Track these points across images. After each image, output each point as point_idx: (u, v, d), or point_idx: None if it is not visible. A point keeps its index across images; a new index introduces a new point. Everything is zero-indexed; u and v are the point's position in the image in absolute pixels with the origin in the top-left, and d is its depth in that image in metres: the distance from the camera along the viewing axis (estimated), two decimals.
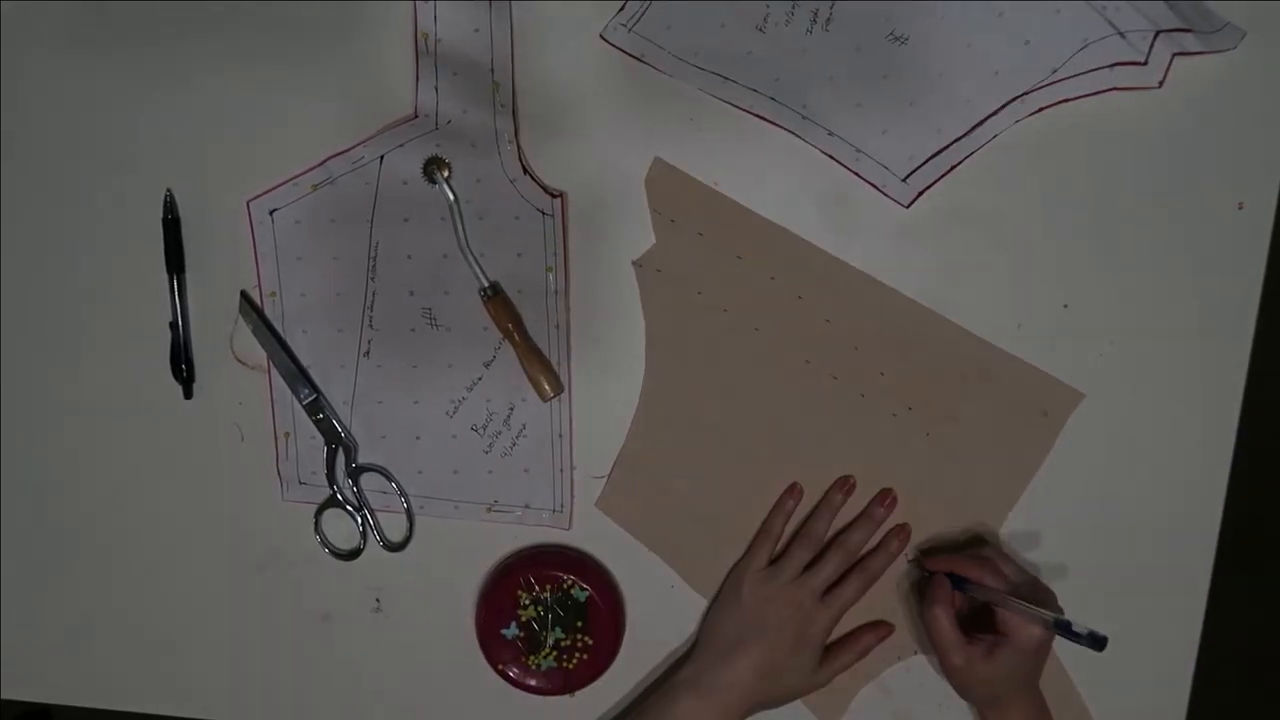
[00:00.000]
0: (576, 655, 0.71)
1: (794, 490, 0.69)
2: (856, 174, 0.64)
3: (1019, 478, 0.67)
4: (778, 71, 0.62)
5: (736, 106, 0.63)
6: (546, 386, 0.67)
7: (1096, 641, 0.59)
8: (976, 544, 0.68)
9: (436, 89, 0.64)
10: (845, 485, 0.68)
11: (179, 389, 0.71)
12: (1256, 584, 1.22)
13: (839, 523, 0.69)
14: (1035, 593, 0.64)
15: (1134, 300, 0.65)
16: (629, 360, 0.68)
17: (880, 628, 0.70)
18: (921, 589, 0.68)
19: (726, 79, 0.63)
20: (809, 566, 0.68)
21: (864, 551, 0.69)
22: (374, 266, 0.68)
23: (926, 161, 0.63)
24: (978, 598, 0.64)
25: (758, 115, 0.63)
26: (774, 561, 0.69)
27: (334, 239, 0.67)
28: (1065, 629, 0.60)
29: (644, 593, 0.72)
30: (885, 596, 0.70)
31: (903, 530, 0.69)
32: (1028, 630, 0.62)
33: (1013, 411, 0.66)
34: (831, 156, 0.64)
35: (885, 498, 0.68)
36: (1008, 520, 0.68)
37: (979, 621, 0.65)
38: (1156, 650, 0.70)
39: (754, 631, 0.67)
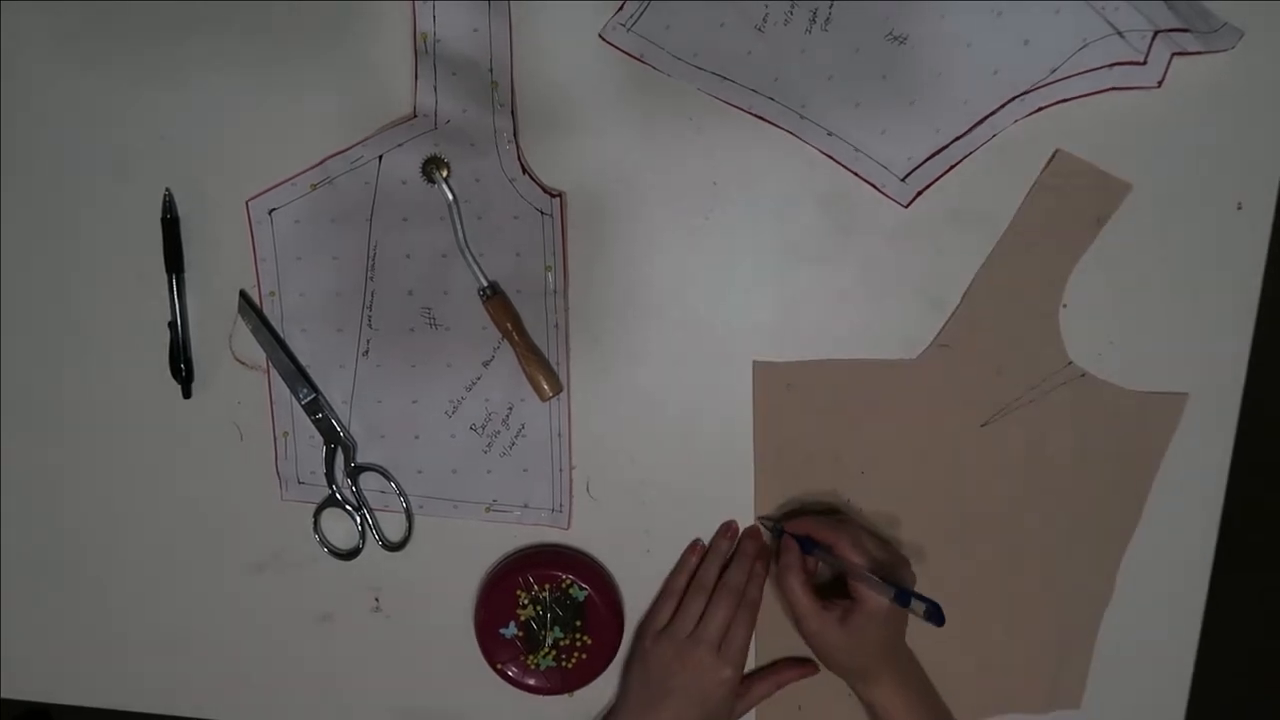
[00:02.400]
0: (575, 654, 0.71)
1: (695, 548, 0.71)
2: (855, 173, 0.64)
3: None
4: (777, 71, 0.62)
5: (735, 106, 0.63)
6: (545, 386, 0.67)
7: (933, 616, 0.59)
8: (834, 513, 0.69)
9: (435, 89, 0.64)
10: (729, 530, 0.70)
11: (178, 389, 0.71)
12: (1256, 583, 1.22)
13: None
14: (892, 563, 0.64)
15: (1134, 300, 0.65)
16: (628, 360, 0.68)
17: (807, 666, 0.71)
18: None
19: (725, 79, 0.63)
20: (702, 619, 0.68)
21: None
22: (373, 266, 0.68)
23: (925, 161, 0.63)
24: (826, 564, 0.65)
25: (757, 115, 0.63)
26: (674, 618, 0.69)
27: (333, 239, 0.67)
28: (904, 600, 0.61)
29: (642, 592, 0.72)
30: None
31: (763, 550, 0.70)
32: (875, 598, 0.62)
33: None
34: (830, 156, 0.63)
35: (752, 532, 0.70)
36: None
37: (841, 589, 0.65)
38: (1156, 650, 0.70)
39: (660, 696, 0.68)
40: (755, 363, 0.67)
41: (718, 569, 0.70)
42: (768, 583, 0.70)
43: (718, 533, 0.71)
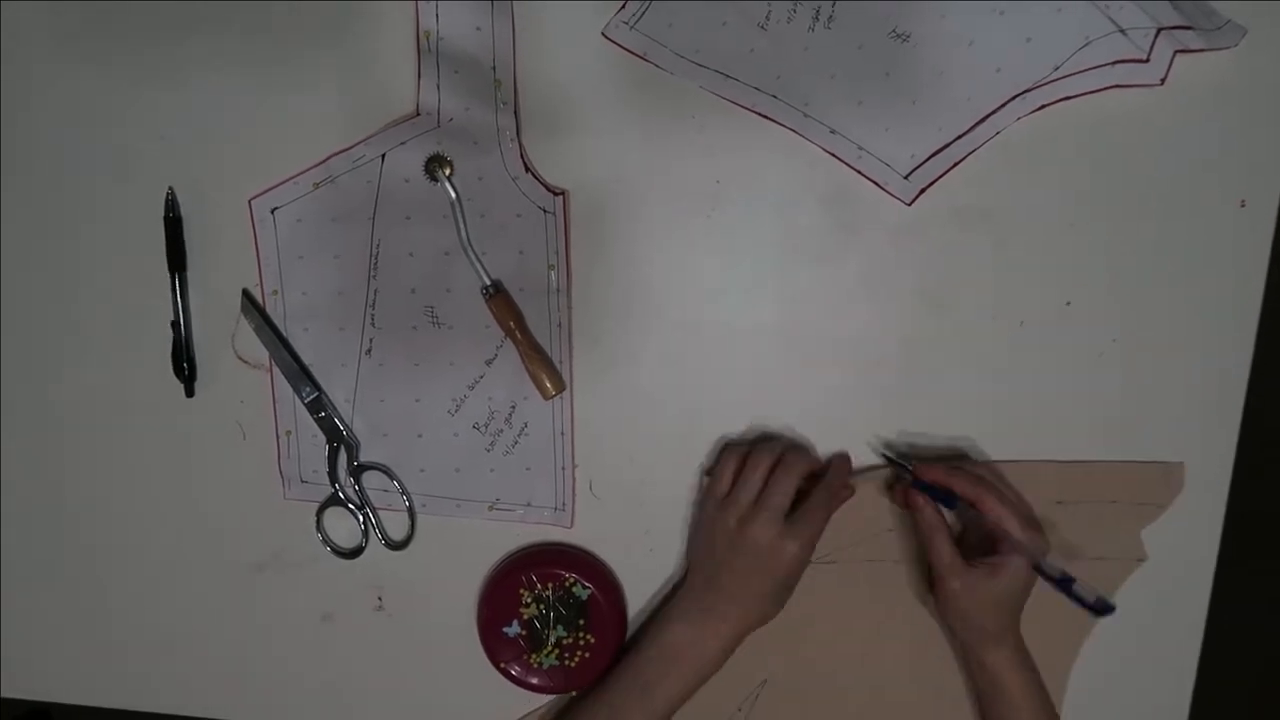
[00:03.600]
0: (578, 653, 0.71)
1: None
2: (858, 171, 0.64)
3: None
4: (780, 69, 0.62)
5: (738, 104, 0.63)
6: (548, 385, 0.67)
7: (1102, 609, 0.59)
8: (968, 462, 0.67)
9: (438, 87, 0.64)
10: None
11: (181, 388, 0.71)
12: (1258, 584, 1.22)
13: None
14: (1032, 528, 0.63)
15: (1135, 298, 0.65)
16: (630, 359, 0.68)
17: (841, 492, 0.67)
18: (905, 495, 0.66)
19: (728, 77, 0.63)
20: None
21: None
22: (376, 265, 0.68)
23: (928, 159, 0.63)
24: (970, 521, 0.64)
25: (759, 113, 0.63)
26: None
27: (336, 237, 0.67)
28: (1068, 586, 0.60)
29: (645, 590, 0.72)
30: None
31: (846, 480, 0.67)
32: (1019, 560, 0.62)
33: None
34: (833, 154, 0.64)
35: (840, 463, 0.67)
36: None
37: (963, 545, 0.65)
38: (1157, 650, 0.70)
39: (728, 561, 0.65)
40: None
41: (775, 450, 0.66)
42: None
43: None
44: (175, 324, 0.70)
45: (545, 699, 0.74)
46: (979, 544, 0.65)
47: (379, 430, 0.71)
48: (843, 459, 0.68)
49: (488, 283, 0.66)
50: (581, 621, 0.70)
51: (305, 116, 0.66)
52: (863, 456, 0.68)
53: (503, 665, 0.72)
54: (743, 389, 0.68)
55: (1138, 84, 0.60)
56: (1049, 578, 0.61)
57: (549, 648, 0.71)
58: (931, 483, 0.64)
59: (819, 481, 0.66)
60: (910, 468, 0.66)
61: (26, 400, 0.74)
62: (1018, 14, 0.60)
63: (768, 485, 0.65)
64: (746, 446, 0.67)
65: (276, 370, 0.70)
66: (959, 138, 0.62)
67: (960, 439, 0.68)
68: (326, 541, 0.73)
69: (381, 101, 0.65)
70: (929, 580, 0.66)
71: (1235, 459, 0.67)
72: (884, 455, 0.68)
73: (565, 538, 0.72)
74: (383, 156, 0.66)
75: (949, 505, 0.64)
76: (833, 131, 0.63)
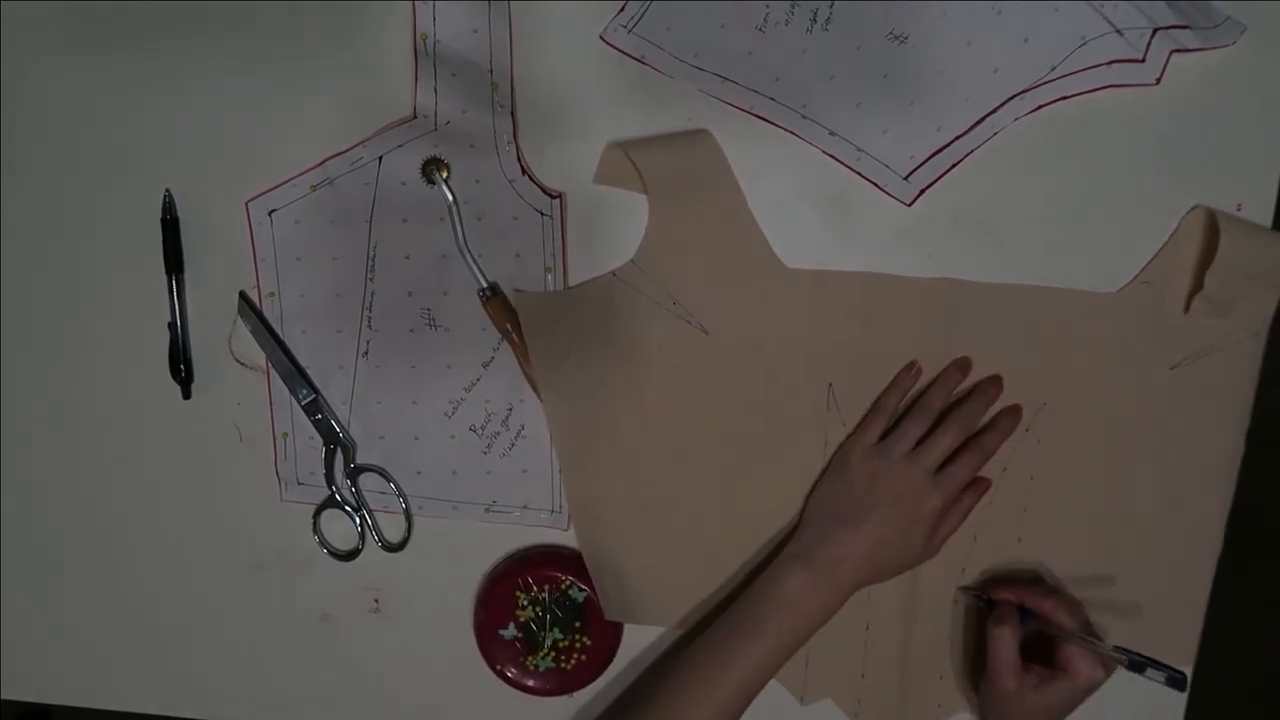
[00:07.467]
0: (575, 656, 0.71)
1: (912, 368, 0.65)
2: (858, 173, 0.63)
3: None
4: (778, 72, 0.62)
5: (736, 107, 0.63)
6: None
7: (1176, 683, 0.59)
8: (1037, 581, 0.67)
9: (435, 90, 0.64)
10: (963, 364, 0.65)
11: (178, 389, 0.71)
12: (1258, 582, 1.22)
13: None
14: (1092, 634, 0.63)
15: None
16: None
17: (979, 484, 0.65)
18: (981, 621, 0.67)
19: (726, 79, 0.63)
20: (920, 443, 0.64)
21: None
22: (373, 267, 0.68)
23: (927, 159, 0.63)
24: (1045, 631, 0.63)
25: (758, 115, 0.63)
26: (885, 437, 0.65)
27: (333, 239, 0.67)
28: (1140, 668, 0.60)
29: None
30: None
31: (1015, 410, 0.65)
32: (1090, 671, 0.61)
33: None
34: (833, 156, 0.63)
35: (997, 379, 0.65)
36: None
37: (1028, 656, 0.64)
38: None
39: (865, 507, 0.64)
40: None
41: (943, 399, 0.65)
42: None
43: (950, 365, 0.65)
44: (172, 325, 0.70)
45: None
46: (1029, 652, 0.64)
47: (376, 432, 0.71)
48: (1010, 421, 0.65)
49: (485, 285, 0.66)
50: (578, 624, 0.70)
51: (303, 119, 0.66)
52: None
53: (499, 668, 0.72)
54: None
55: (1132, 83, 0.60)
56: (1133, 667, 0.61)
57: (545, 650, 0.71)
58: (1003, 601, 0.65)
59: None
60: (989, 597, 0.66)
61: (24, 401, 0.74)
62: (1015, 14, 0.59)
63: (925, 442, 0.64)
64: (900, 395, 0.65)
65: (273, 372, 0.70)
66: (958, 138, 0.62)
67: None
68: (323, 543, 0.73)
69: (379, 104, 0.65)
70: (974, 677, 0.67)
71: None
72: (964, 593, 0.68)
73: (562, 540, 0.72)
74: (380, 159, 0.66)
75: (1021, 621, 0.64)
76: (832, 133, 0.63)
